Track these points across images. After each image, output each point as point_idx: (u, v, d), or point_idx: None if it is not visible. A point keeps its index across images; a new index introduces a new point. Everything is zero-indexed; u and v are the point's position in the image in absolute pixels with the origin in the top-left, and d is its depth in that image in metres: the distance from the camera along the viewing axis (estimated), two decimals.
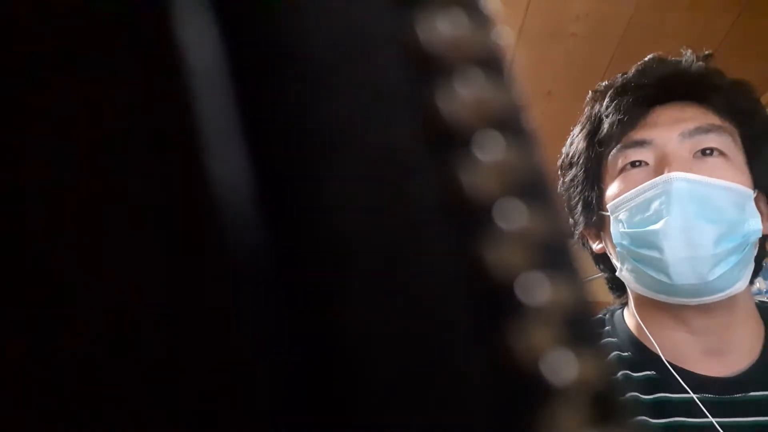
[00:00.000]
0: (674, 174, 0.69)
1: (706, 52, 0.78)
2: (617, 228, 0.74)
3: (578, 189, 0.80)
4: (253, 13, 0.13)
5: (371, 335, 0.12)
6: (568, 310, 0.13)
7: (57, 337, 0.12)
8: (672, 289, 0.70)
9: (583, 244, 0.84)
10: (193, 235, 0.12)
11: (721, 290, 0.70)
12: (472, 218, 0.13)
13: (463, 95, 0.13)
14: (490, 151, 0.13)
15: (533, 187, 0.13)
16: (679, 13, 1.59)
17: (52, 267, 0.12)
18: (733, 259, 0.69)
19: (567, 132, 0.85)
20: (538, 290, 0.13)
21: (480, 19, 0.14)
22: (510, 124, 0.14)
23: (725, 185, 0.70)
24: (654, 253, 0.70)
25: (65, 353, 0.12)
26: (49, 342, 0.12)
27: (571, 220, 0.83)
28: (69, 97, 0.12)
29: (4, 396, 0.11)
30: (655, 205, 0.70)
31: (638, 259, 0.72)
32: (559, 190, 0.84)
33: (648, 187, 0.71)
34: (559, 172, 0.84)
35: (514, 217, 0.13)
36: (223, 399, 0.12)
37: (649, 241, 0.70)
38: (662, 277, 0.70)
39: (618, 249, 0.75)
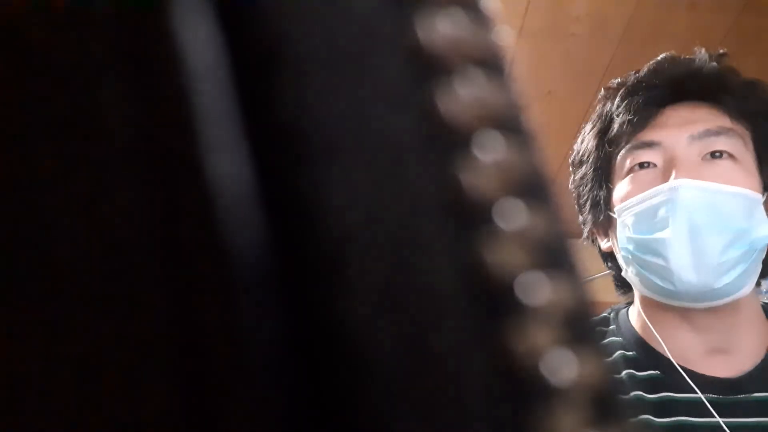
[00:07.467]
0: (680, 181, 0.69)
1: (721, 51, 0.77)
2: (623, 233, 0.74)
3: (587, 188, 0.79)
4: (253, 12, 0.13)
5: (371, 335, 0.12)
6: (568, 310, 0.13)
7: (58, 337, 0.12)
8: (677, 294, 0.70)
9: (592, 241, 0.84)
10: (193, 235, 0.12)
11: (727, 295, 0.70)
12: (472, 218, 0.13)
13: (463, 95, 0.13)
14: (490, 151, 0.13)
15: (533, 187, 0.13)
16: (679, 13, 1.59)
17: (51, 270, 0.12)
18: (740, 267, 0.69)
19: (567, 132, 0.86)
20: (538, 290, 0.13)
21: (480, 19, 0.14)
22: (510, 124, 0.14)
23: (733, 191, 0.69)
24: (659, 261, 0.70)
25: (67, 351, 0.12)
26: (50, 342, 0.12)
27: (580, 218, 0.82)
28: (68, 97, 0.12)
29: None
30: (660, 212, 0.70)
31: (643, 265, 0.72)
32: (569, 186, 0.83)
33: (653, 193, 0.71)
34: (570, 169, 0.84)
35: (514, 217, 0.13)
36: (223, 399, 0.12)
37: (654, 249, 0.70)
38: (667, 285, 0.70)
39: (623, 253, 0.75)
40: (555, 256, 0.13)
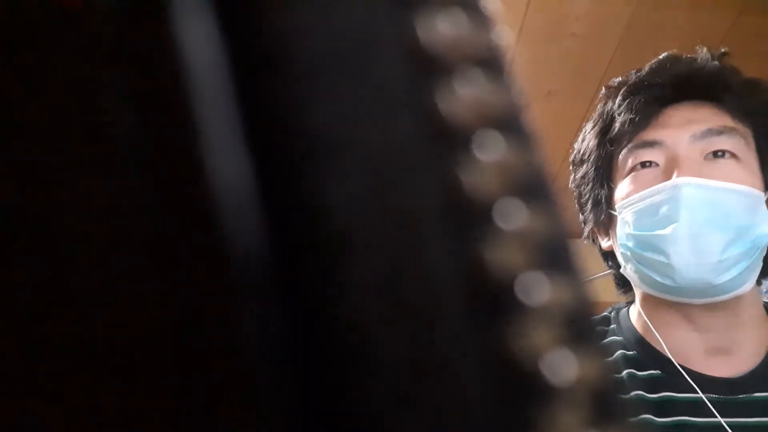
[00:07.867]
0: (682, 179, 0.69)
1: (722, 50, 0.77)
2: (623, 229, 0.74)
3: (589, 187, 0.79)
4: (253, 13, 0.13)
5: (371, 335, 0.12)
6: (568, 310, 0.13)
7: (59, 335, 0.12)
8: (676, 290, 0.71)
9: (593, 241, 0.84)
10: (193, 235, 0.12)
11: (728, 292, 0.70)
12: (472, 218, 0.13)
13: (463, 95, 0.13)
14: (490, 151, 0.13)
15: (533, 187, 0.13)
16: (679, 12, 1.59)
17: (51, 270, 0.12)
18: (742, 265, 0.69)
19: (567, 132, 0.86)
20: (538, 290, 0.13)
21: (480, 19, 0.14)
22: (510, 124, 0.14)
23: (735, 188, 0.69)
24: (660, 258, 0.70)
25: (66, 350, 0.12)
26: (50, 342, 0.12)
27: (581, 217, 0.83)
28: (68, 97, 0.12)
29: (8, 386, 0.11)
30: (662, 209, 0.70)
31: (642, 262, 0.72)
32: (570, 185, 0.83)
33: (655, 191, 0.71)
34: (571, 168, 0.84)
35: (514, 217, 0.13)
36: (223, 398, 0.12)
37: (655, 245, 0.70)
38: (667, 281, 0.70)
39: (622, 250, 0.75)
40: (555, 256, 0.13)
